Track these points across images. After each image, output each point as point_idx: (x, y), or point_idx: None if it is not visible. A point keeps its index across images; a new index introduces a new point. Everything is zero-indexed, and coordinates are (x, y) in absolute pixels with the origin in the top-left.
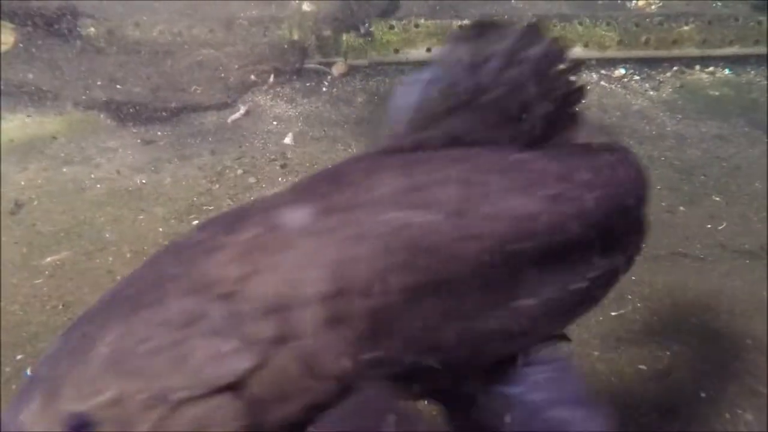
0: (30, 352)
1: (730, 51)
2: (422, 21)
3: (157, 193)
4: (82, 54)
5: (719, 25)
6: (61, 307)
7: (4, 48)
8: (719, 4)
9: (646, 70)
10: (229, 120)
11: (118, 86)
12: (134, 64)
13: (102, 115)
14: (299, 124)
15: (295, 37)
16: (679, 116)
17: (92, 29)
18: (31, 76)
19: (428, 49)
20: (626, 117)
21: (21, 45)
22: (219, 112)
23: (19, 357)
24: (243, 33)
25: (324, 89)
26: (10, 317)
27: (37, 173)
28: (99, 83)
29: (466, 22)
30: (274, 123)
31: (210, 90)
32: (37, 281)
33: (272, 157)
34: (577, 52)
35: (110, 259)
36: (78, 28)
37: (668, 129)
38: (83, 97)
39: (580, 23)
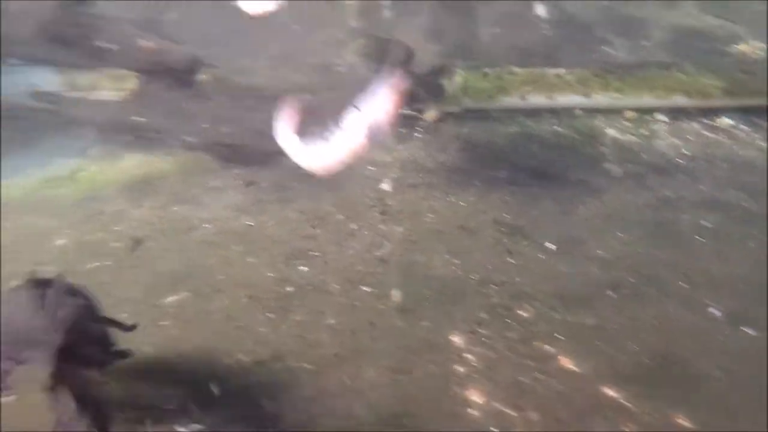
0: None
1: None
2: (517, 69)
3: (263, 235)
4: (192, 98)
5: None
6: (190, 351)
7: (125, 93)
8: None
9: (753, 119)
10: None
11: (223, 129)
12: (239, 108)
13: (208, 156)
14: (395, 169)
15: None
16: None
17: (203, 75)
18: (146, 118)
19: (522, 97)
20: (735, 169)
21: (140, 90)
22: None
23: None
24: (340, 79)
25: (418, 135)
26: (143, 359)
27: (151, 211)
28: (206, 126)
29: (561, 70)
30: (371, 168)
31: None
32: (163, 322)
33: (371, 203)
34: (677, 101)
35: (227, 302)
36: (194, 76)
37: None
38: (192, 139)
39: (681, 71)
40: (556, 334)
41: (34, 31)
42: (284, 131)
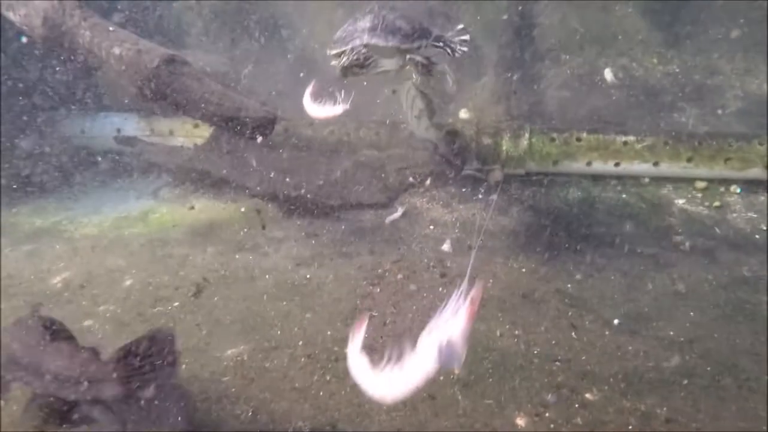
0: None
1: None
2: (584, 135)
3: (321, 290)
4: (260, 148)
5: None
6: (250, 414)
7: (199, 140)
8: None
9: None
10: (387, 220)
11: (287, 179)
12: (304, 160)
13: (271, 206)
14: (456, 230)
15: (455, 144)
16: None
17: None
18: (216, 165)
19: (588, 163)
20: None
21: (213, 138)
22: (377, 212)
23: None
24: (405, 136)
25: (480, 196)
26: (206, 418)
27: (214, 257)
28: (272, 175)
29: (630, 137)
30: (431, 227)
31: (370, 189)
32: (224, 378)
33: (431, 263)
34: (755, 173)
35: (285, 361)
36: (269, 130)
37: None
38: (257, 188)
39: (759, 142)
40: (629, 426)
41: (133, 84)
42: (354, 352)
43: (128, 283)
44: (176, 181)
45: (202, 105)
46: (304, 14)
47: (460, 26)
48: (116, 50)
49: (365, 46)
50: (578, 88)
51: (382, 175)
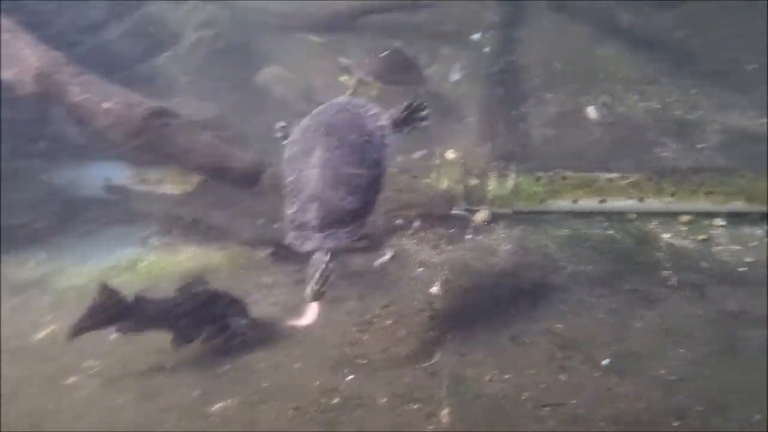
0: None
1: None
2: (569, 173)
3: (310, 338)
4: (249, 194)
5: None
6: None
7: (188, 188)
8: None
9: None
10: (376, 264)
11: (275, 225)
12: None
13: (259, 252)
14: (445, 272)
15: (443, 185)
16: None
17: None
18: (203, 213)
19: (575, 201)
20: None
21: (202, 185)
22: (366, 255)
23: None
24: (392, 180)
25: (468, 236)
26: None
27: None
28: (260, 222)
29: (615, 175)
30: (420, 269)
31: None
32: None
33: (420, 306)
34: (736, 206)
35: (273, 414)
36: (258, 178)
37: None
38: (245, 235)
39: (740, 176)
40: None
41: (122, 138)
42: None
43: (114, 336)
44: (165, 229)
45: (190, 156)
46: (296, 62)
47: (419, 101)
48: (106, 105)
49: (329, 261)
50: (563, 126)
51: (371, 219)
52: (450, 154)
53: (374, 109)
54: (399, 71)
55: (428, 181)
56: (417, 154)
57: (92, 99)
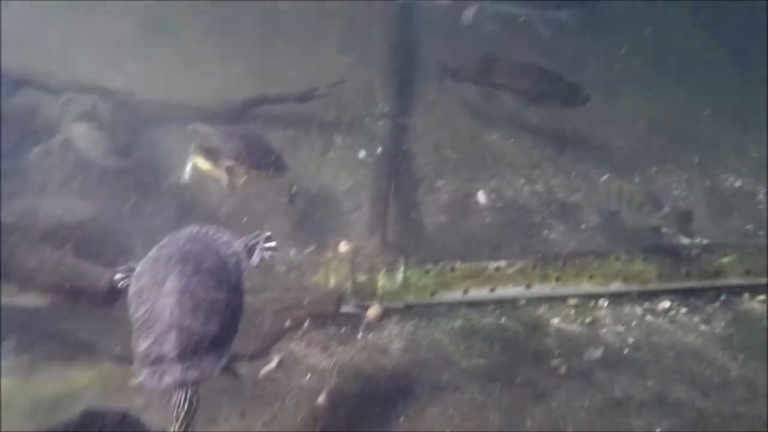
0: None
1: None
2: (458, 264)
3: None
4: (119, 307)
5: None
6: None
7: (48, 301)
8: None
9: (691, 300)
10: (261, 373)
11: None
12: None
13: (133, 368)
14: (333, 377)
15: (332, 282)
16: (741, 356)
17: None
18: (67, 327)
19: (465, 291)
20: (681, 358)
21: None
22: (251, 363)
23: None
24: (280, 279)
25: (359, 335)
26: None
27: None
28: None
29: (502, 263)
30: (308, 376)
31: (244, 339)
32: None
33: (304, 422)
34: (616, 286)
35: None
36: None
37: (732, 374)
38: (117, 349)
39: (616, 258)
40: None
41: None
42: None
43: None
44: (23, 346)
45: (35, 276)
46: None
47: (267, 233)
48: None
49: (192, 396)
50: (454, 212)
51: (258, 321)
52: (343, 246)
53: (225, 236)
54: (261, 155)
55: (316, 279)
56: (309, 249)
57: None
